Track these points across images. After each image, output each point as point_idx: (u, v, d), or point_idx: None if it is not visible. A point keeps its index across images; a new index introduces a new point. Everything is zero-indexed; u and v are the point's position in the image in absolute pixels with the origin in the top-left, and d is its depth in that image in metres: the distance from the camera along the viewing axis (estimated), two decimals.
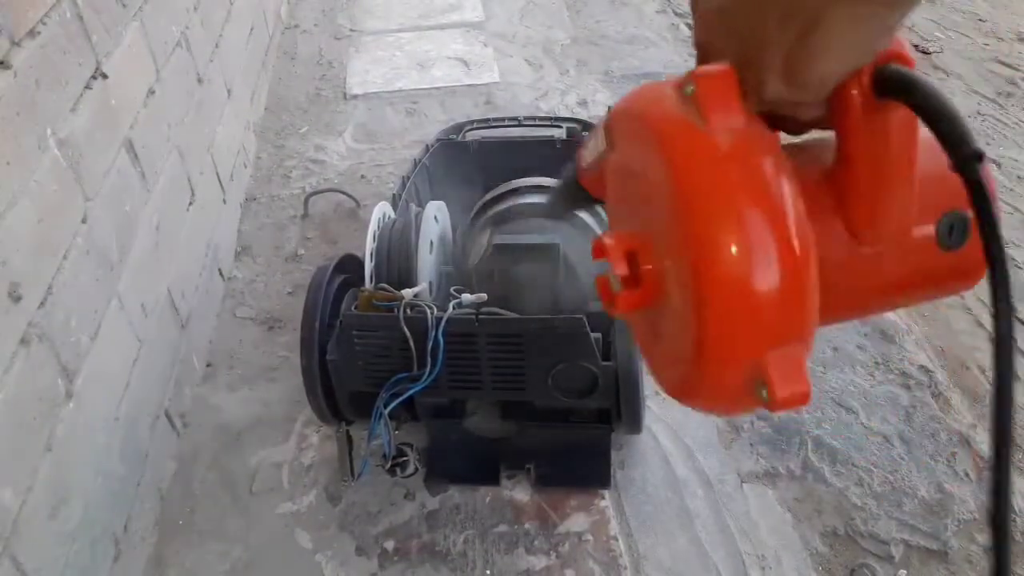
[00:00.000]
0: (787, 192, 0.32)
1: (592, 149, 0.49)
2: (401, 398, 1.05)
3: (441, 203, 1.33)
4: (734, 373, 0.32)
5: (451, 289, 1.12)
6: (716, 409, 0.38)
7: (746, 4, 0.34)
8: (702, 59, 0.38)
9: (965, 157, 0.30)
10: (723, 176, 0.32)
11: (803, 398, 0.31)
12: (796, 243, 0.31)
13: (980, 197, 0.30)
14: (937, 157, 0.40)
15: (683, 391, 0.36)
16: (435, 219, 1.26)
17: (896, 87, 0.33)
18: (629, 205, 0.40)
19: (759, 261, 0.31)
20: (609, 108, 0.40)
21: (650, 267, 0.37)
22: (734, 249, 0.31)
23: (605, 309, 0.40)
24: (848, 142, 0.36)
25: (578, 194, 0.56)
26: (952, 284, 0.41)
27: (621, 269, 0.37)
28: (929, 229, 0.38)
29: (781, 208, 0.31)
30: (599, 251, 0.39)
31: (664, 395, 0.43)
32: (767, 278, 0.31)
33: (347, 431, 1.17)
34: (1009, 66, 2.27)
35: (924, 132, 0.34)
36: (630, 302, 0.38)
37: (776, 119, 0.37)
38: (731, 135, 0.33)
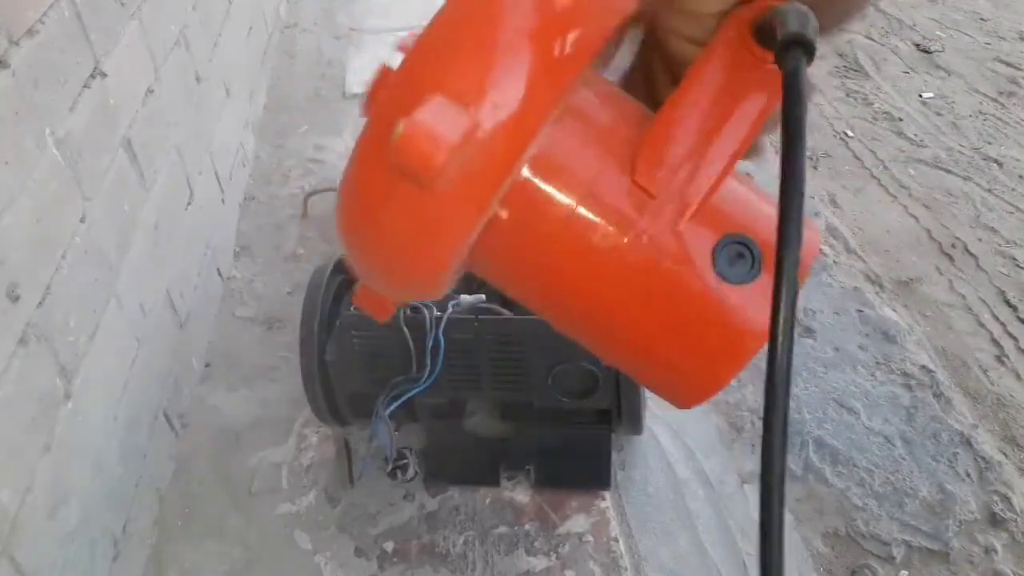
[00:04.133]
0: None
1: None
2: (401, 399, 1.05)
3: None
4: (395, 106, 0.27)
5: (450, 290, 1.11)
6: (356, 181, 0.31)
7: None
8: None
9: (788, 39, 0.26)
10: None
11: (428, 156, 0.25)
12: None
13: (791, 87, 0.25)
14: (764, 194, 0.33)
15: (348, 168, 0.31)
16: None
17: (774, 19, 0.28)
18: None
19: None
20: None
21: None
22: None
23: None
24: (693, 74, 0.30)
25: None
26: (708, 335, 0.31)
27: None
28: (713, 236, 0.31)
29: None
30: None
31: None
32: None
33: (346, 440, 1.17)
34: (1011, 65, 2.27)
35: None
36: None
37: (650, 51, 0.33)
38: None
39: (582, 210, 0.30)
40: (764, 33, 0.29)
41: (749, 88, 0.30)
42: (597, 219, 0.30)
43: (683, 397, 0.33)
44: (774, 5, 0.28)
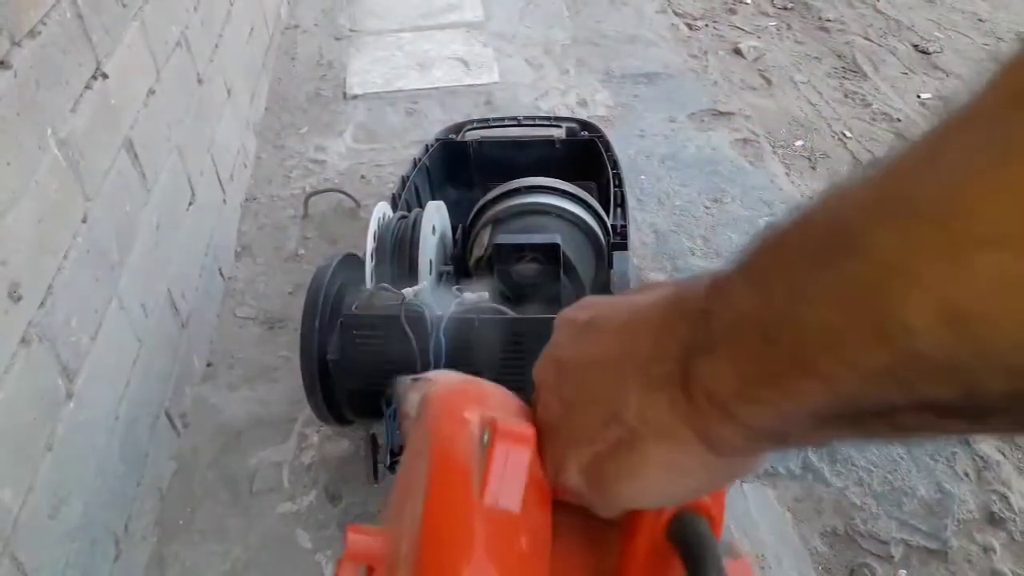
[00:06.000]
0: None
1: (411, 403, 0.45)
2: None
3: (441, 203, 1.33)
4: None
5: (451, 288, 1.12)
6: None
7: (582, 382, 0.32)
8: (535, 396, 0.37)
9: None
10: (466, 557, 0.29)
11: None
12: None
13: None
14: None
15: None
16: (435, 219, 1.26)
17: (681, 535, 0.32)
18: (396, 494, 0.37)
19: None
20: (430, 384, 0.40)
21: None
22: None
23: None
24: (626, 563, 0.34)
25: None
26: None
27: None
28: None
29: None
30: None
31: None
32: None
33: (373, 435, 1.17)
34: None
35: None
36: None
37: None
38: (498, 520, 0.30)
39: None
40: (673, 530, 0.32)
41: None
42: None
43: None
44: (685, 511, 0.32)
